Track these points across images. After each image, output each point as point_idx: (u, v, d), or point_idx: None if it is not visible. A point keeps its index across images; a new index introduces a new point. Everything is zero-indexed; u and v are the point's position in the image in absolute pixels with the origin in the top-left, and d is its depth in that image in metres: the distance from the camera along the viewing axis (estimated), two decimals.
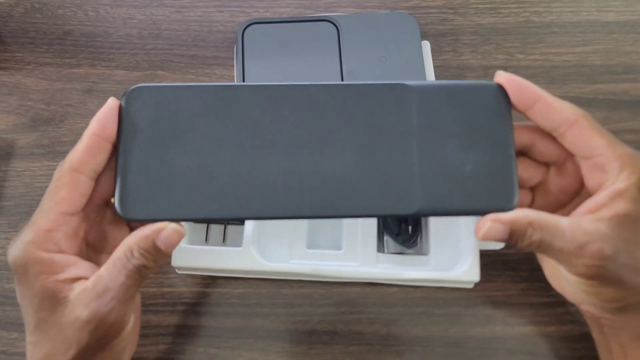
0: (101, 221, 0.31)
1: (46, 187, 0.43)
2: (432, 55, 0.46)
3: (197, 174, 0.28)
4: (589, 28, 0.48)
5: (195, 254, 0.39)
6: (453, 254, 0.39)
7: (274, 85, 0.29)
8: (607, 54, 0.47)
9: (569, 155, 0.31)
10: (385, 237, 0.40)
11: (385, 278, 0.39)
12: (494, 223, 0.28)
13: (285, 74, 0.44)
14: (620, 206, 0.28)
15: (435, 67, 0.46)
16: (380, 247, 0.40)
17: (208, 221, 0.29)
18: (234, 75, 0.46)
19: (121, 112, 0.29)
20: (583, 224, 0.28)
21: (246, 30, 0.46)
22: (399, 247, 0.40)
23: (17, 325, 0.40)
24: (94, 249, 0.31)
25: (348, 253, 0.39)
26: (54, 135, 0.45)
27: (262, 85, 0.29)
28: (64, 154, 0.45)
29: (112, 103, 0.28)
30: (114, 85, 0.47)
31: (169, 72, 0.47)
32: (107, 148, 0.28)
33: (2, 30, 0.50)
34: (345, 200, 0.28)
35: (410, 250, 0.40)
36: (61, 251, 0.28)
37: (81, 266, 0.28)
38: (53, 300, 0.27)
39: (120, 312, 0.27)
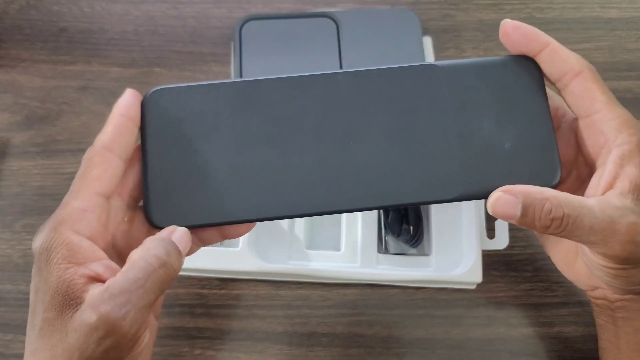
0: (130, 225, 0.28)
1: (40, 186, 0.43)
2: (434, 52, 0.46)
3: (227, 175, 0.27)
4: (591, 25, 0.48)
5: (193, 255, 0.38)
6: (455, 254, 0.39)
7: (297, 76, 0.28)
8: (609, 51, 0.47)
9: (562, 120, 0.30)
10: (386, 238, 0.40)
11: (385, 279, 0.39)
12: (505, 193, 0.26)
13: (283, 71, 0.44)
14: (634, 174, 0.26)
15: None
16: (381, 248, 0.40)
17: (242, 222, 0.28)
18: (231, 72, 0.46)
19: (143, 115, 0.28)
20: (610, 199, 0.26)
21: (244, 26, 0.46)
22: (400, 248, 0.40)
23: (12, 327, 0.39)
24: (118, 255, 0.28)
25: (348, 254, 0.39)
26: (49, 134, 0.45)
27: (285, 77, 0.29)
28: (58, 152, 0.45)
29: (131, 90, 0.28)
30: (109, 82, 0.46)
31: (165, 68, 0.47)
32: (133, 130, 0.27)
33: None
34: (385, 190, 0.27)
35: (411, 251, 0.40)
36: (91, 237, 0.25)
37: (106, 265, 0.25)
38: (65, 298, 0.24)
39: (135, 321, 0.23)
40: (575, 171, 0.30)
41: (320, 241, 0.41)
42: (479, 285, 0.39)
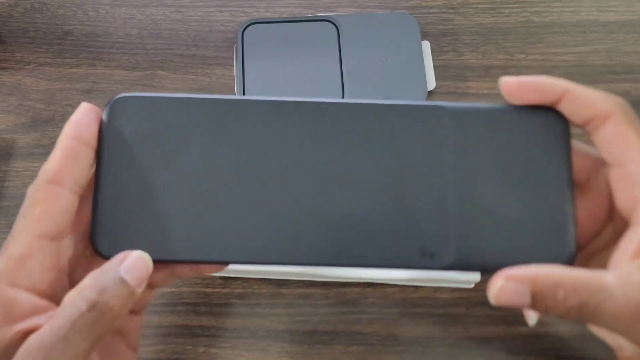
0: (92, 259, 0.25)
1: None
2: (433, 55, 0.46)
3: (189, 206, 0.24)
4: (589, 28, 0.48)
5: None
6: None
7: (282, 100, 0.25)
8: (607, 54, 0.47)
9: (593, 170, 0.26)
10: None
11: (385, 278, 0.39)
12: (508, 281, 0.22)
13: (285, 74, 0.44)
14: None
15: (435, 67, 0.46)
16: None
17: (198, 262, 0.25)
18: (234, 75, 0.46)
19: (102, 127, 0.24)
20: (633, 275, 0.21)
21: (246, 30, 0.46)
22: None
23: None
24: None
25: None
26: (54, 135, 0.45)
27: (267, 101, 0.25)
28: None
29: (86, 105, 0.24)
30: (113, 85, 0.47)
31: (169, 72, 0.47)
32: (88, 154, 0.24)
33: (2, 30, 0.50)
34: (359, 248, 0.24)
35: None
36: (32, 287, 0.22)
37: (49, 315, 0.22)
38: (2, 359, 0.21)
39: None
40: (611, 225, 0.26)
41: None
42: (477, 284, 0.39)
